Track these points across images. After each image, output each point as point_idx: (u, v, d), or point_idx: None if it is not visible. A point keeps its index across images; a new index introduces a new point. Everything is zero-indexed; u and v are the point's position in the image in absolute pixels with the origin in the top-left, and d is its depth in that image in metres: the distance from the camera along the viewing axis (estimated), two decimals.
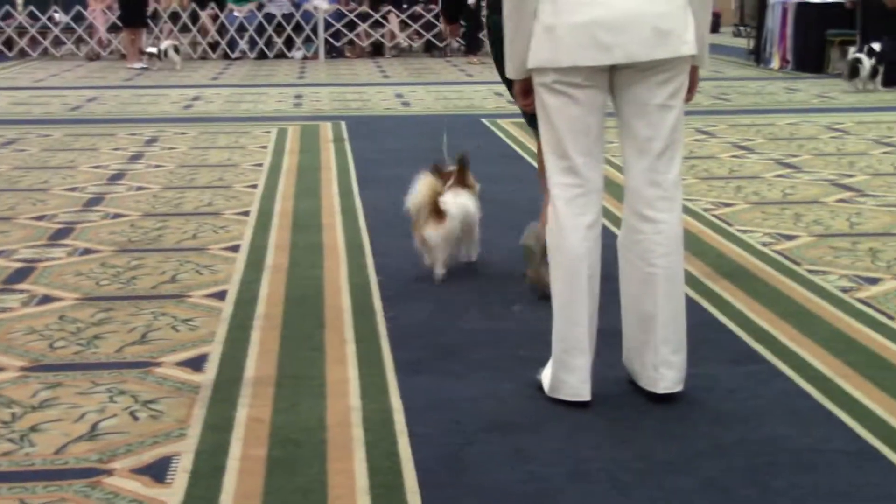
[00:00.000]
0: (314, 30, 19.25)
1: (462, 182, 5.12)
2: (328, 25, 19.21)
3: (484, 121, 10.59)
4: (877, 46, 12.88)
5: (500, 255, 5.33)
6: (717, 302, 4.61)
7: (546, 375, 3.56)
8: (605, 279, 3.52)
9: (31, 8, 19.22)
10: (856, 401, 3.53)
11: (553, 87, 3.40)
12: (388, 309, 4.54)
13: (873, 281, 4.90)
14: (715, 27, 23.00)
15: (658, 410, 3.47)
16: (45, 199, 6.93)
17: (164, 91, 13.94)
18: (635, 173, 3.47)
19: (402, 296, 4.75)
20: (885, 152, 8.60)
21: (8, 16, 19.56)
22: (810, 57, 15.62)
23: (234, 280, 4.99)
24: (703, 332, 4.11)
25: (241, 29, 19.13)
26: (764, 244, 5.58)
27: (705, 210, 6.41)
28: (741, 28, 22.27)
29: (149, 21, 18.62)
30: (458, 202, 4.99)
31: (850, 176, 7.53)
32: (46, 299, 4.73)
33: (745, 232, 5.86)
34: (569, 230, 3.42)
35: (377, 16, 19.55)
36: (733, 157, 8.44)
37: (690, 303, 3.84)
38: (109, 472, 3.04)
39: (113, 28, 19.06)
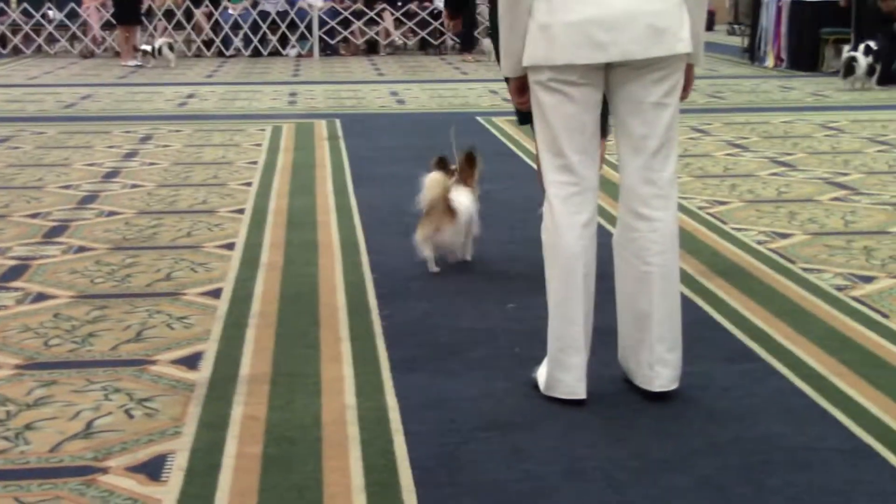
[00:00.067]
0: (309, 27, 19.22)
1: (464, 180, 5.12)
2: (323, 23, 19.18)
3: (479, 119, 10.58)
4: (874, 44, 12.90)
5: (494, 253, 5.33)
6: (711, 300, 4.61)
7: (542, 374, 3.56)
8: (601, 277, 3.52)
9: (25, 5, 19.14)
10: (850, 399, 3.54)
11: (548, 85, 3.40)
12: (382, 307, 4.54)
13: (868, 279, 4.91)
14: (709, 25, 23.00)
15: (653, 409, 3.47)
16: (39, 197, 6.92)
17: (158, 89, 13.92)
18: (630, 171, 3.48)
19: (396, 294, 4.74)
20: (879, 150, 8.61)
21: (2, 13, 19.49)
22: (805, 55, 15.63)
23: (229, 278, 4.99)
24: (697, 330, 4.11)
25: (236, 26, 19.09)
26: (759, 242, 5.58)
27: (700, 208, 6.42)
28: (736, 26, 22.24)
29: (143, 18, 18.58)
30: (464, 202, 4.99)
31: (845, 174, 7.53)
32: (41, 297, 4.73)
33: (739, 230, 5.86)
34: (564, 228, 3.42)
35: (372, 13, 19.52)
36: (728, 155, 8.45)
37: (685, 301, 3.84)
38: (105, 470, 3.04)
39: (107, 25, 19.00)
